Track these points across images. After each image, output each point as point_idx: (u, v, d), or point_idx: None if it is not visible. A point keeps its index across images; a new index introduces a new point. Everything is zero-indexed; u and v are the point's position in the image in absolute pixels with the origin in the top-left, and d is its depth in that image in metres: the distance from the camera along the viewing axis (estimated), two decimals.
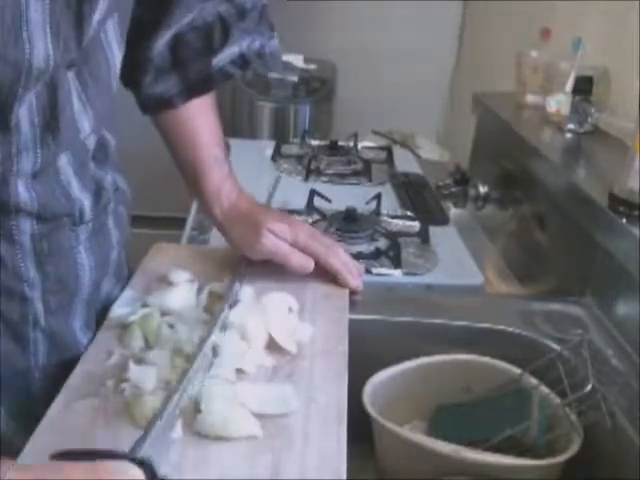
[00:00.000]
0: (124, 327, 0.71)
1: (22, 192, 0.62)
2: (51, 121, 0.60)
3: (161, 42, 0.77)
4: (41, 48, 0.54)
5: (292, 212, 1.16)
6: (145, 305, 0.74)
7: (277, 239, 0.80)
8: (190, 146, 0.82)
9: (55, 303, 0.69)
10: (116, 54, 0.66)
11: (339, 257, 0.84)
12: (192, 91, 0.81)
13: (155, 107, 0.82)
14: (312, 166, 1.43)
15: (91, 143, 0.70)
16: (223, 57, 0.80)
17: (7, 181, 0.61)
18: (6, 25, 0.51)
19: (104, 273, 0.75)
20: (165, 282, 0.78)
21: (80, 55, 0.59)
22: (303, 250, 0.81)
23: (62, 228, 0.67)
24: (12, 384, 0.68)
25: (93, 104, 0.64)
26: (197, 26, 0.78)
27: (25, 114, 0.58)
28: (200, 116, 0.82)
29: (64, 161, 0.65)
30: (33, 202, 0.63)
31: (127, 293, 0.77)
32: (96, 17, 0.57)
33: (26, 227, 0.64)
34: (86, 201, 0.69)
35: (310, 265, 0.81)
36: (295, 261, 0.81)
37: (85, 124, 0.64)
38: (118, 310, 0.74)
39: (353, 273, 0.85)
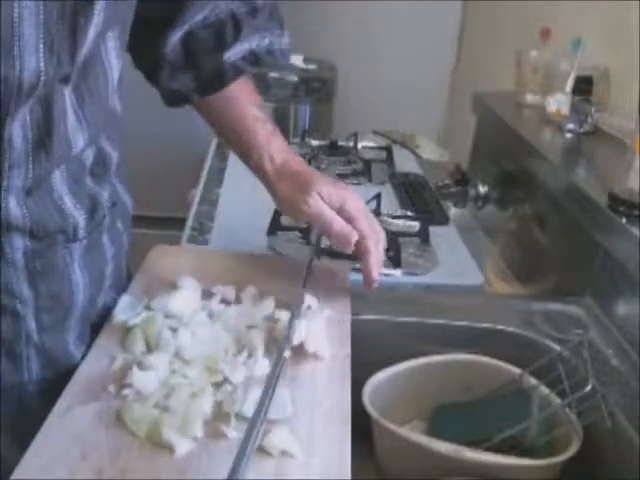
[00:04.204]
0: (126, 331, 0.70)
1: (14, 208, 0.61)
2: (45, 137, 0.59)
3: (174, 39, 0.77)
4: (32, 63, 0.53)
5: None
6: (148, 308, 0.73)
7: (323, 203, 0.77)
8: (230, 111, 0.82)
9: (49, 320, 0.68)
10: (114, 66, 0.65)
11: (377, 246, 0.79)
12: (206, 88, 0.81)
13: (175, 101, 0.83)
14: (312, 166, 1.43)
15: (88, 158, 0.68)
16: (234, 53, 0.79)
17: None
18: None
19: (100, 288, 0.74)
20: (167, 285, 0.78)
21: (77, 70, 0.58)
22: (347, 221, 0.77)
23: (55, 246, 0.66)
24: (5, 399, 0.67)
25: (89, 119, 0.63)
26: (209, 23, 0.78)
27: (18, 130, 0.57)
28: (236, 87, 0.82)
29: (58, 177, 0.64)
30: (25, 219, 0.62)
31: (128, 297, 0.76)
32: (92, 31, 0.56)
33: (19, 244, 0.63)
34: (80, 218, 0.68)
35: (352, 237, 0.76)
36: (337, 229, 0.76)
37: (79, 139, 0.63)
38: (120, 314, 0.73)
39: (378, 269, 0.79)
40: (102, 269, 0.74)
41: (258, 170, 0.84)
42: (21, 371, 0.68)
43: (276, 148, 0.83)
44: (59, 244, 0.67)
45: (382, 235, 0.80)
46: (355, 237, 0.76)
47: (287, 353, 0.66)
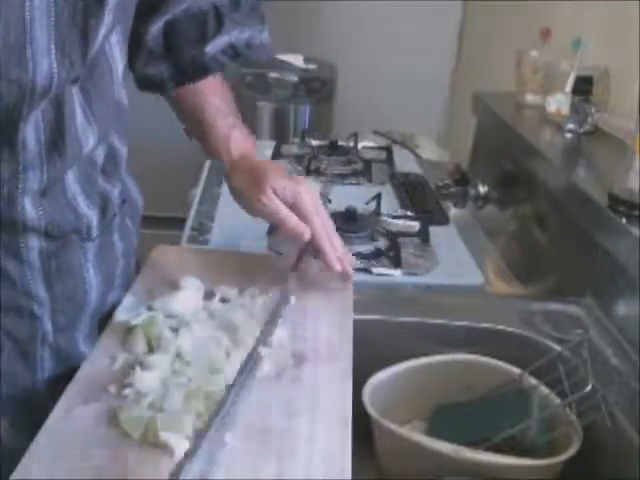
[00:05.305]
0: (127, 331, 0.70)
1: (29, 209, 0.62)
2: (57, 138, 0.60)
3: (156, 27, 0.77)
4: (45, 66, 0.53)
5: None
6: (150, 309, 0.73)
7: (276, 199, 0.76)
8: (194, 103, 0.82)
9: (63, 321, 0.69)
10: (118, 60, 0.65)
11: (331, 239, 0.79)
12: (183, 77, 0.81)
13: (148, 88, 0.83)
14: (312, 166, 1.43)
15: (99, 156, 0.69)
16: (215, 45, 0.80)
17: (14, 199, 0.61)
18: (9, 44, 0.51)
19: (111, 286, 0.75)
20: (169, 286, 0.77)
21: (85, 69, 0.59)
22: (301, 217, 0.76)
23: (70, 245, 0.67)
24: (17, 398, 0.68)
25: (97, 117, 0.64)
26: (192, 14, 0.78)
27: (31, 132, 0.58)
28: (204, 82, 0.82)
29: (71, 177, 0.65)
30: (40, 219, 0.63)
31: (130, 298, 0.76)
32: (102, 32, 0.57)
33: (34, 245, 0.64)
34: (93, 217, 0.69)
35: (305, 234, 0.76)
36: (290, 227, 0.76)
37: (89, 138, 0.64)
38: (122, 315, 0.73)
39: (340, 258, 0.79)
40: (113, 268, 0.75)
41: (216, 160, 0.83)
42: (34, 370, 0.69)
43: (235, 141, 0.81)
44: (73, 243, 0.68)
45: (331, 224, 0.79)
46: (307, 235, 0.76)
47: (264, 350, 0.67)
